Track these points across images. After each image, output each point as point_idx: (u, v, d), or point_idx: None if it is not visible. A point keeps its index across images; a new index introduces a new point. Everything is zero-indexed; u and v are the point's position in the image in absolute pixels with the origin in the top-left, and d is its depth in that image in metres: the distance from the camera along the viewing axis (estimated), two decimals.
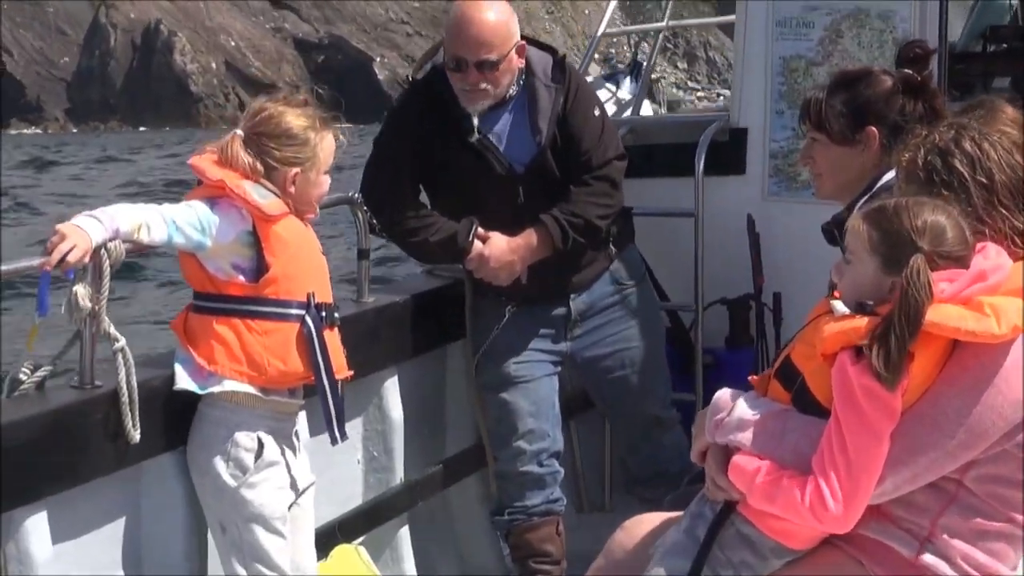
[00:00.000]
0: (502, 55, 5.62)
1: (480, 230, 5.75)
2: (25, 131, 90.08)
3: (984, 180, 3.76)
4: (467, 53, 5.60)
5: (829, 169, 4.82)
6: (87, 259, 4.40)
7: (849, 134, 4.74)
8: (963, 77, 8.11)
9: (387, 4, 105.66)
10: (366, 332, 5.67)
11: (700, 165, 6.70)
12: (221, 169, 4.77)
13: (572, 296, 5.98)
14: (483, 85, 5.64)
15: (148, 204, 4.72)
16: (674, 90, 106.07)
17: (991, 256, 3.65)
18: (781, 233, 6.66)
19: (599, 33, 7.42)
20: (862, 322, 3.57)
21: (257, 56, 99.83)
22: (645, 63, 8.12)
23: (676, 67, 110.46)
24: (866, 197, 4.59)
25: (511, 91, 5.75)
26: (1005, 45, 8.59)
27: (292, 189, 4.81)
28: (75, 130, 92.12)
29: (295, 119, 4.86)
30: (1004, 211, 3.76)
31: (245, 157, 4.78)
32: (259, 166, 4.79)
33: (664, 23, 8.16)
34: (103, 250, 4.48)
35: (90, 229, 4.43)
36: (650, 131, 7.48)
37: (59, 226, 4.39)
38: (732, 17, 7.29)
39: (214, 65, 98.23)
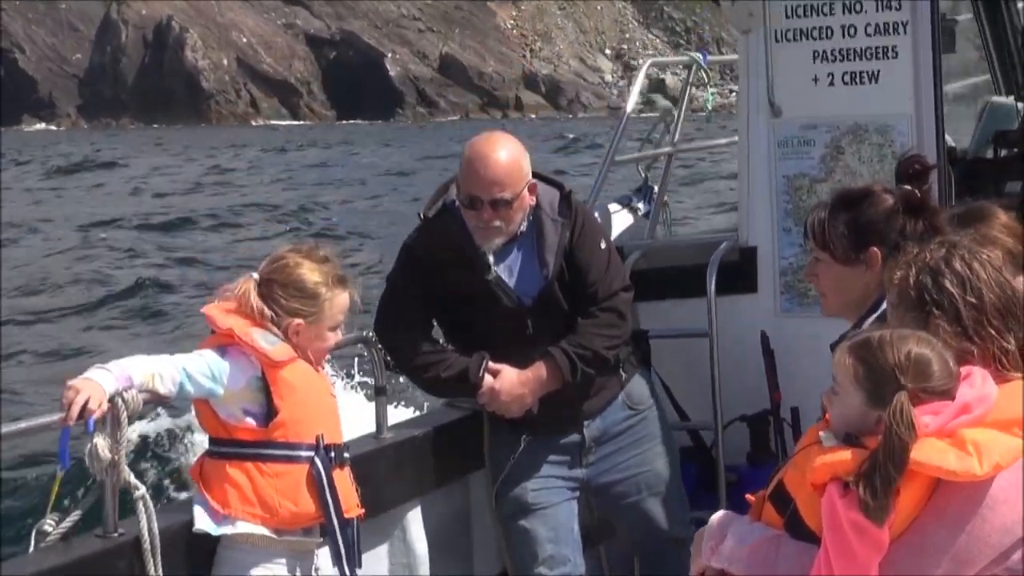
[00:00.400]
0: (515, 194, 5.77)
1: (491, 364, 5.88)
2: (37, 127, 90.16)
3: (974, 300, 3.81)
4: (482, 192, 5.75)
5: (833, 288, 4.90)
6: (103, 408, 4.57)
7: (852, 254, 4.82)
8: (975, 183, 8.20)
9: (399, 1, 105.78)
10: (387, 467, 5.79)
11: (712, 285, 6.82)
12: (230, 317, 4.95)
13: (585, 423, 6.09)
14: (496, 223, 5.79)
15: (161, 356, 4.90)
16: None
17: (976, 384, 3.68)
18: (795, 348, 6.75)
19: (608, 155, 7.57)
20: (848, 455, 3.62)
21: (269, 52, 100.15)
22: (656, 186, 8.26)
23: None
24: (874, 315, 4.65)
25: (521, 227, 5.91)
26: (1016, 149, 8.68)
27: (295, 339, 4.98)
28: (87, 126, 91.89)
29: (309, 272, 5.04)
30: (993, 331, 3.80)
31: (254, 300, 4.97)
32: (267, 311, 4.96)
33: (671, 148, 8.32)
34: (120, 401, 4.65)
35: (102, 380, 4.62)
36: (661, 254, 7.61)
37: (71, 381, 4.59)
38: (735, 138, 7.46)
39: (225, 61, 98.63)
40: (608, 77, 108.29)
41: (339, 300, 5.08)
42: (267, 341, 4.95)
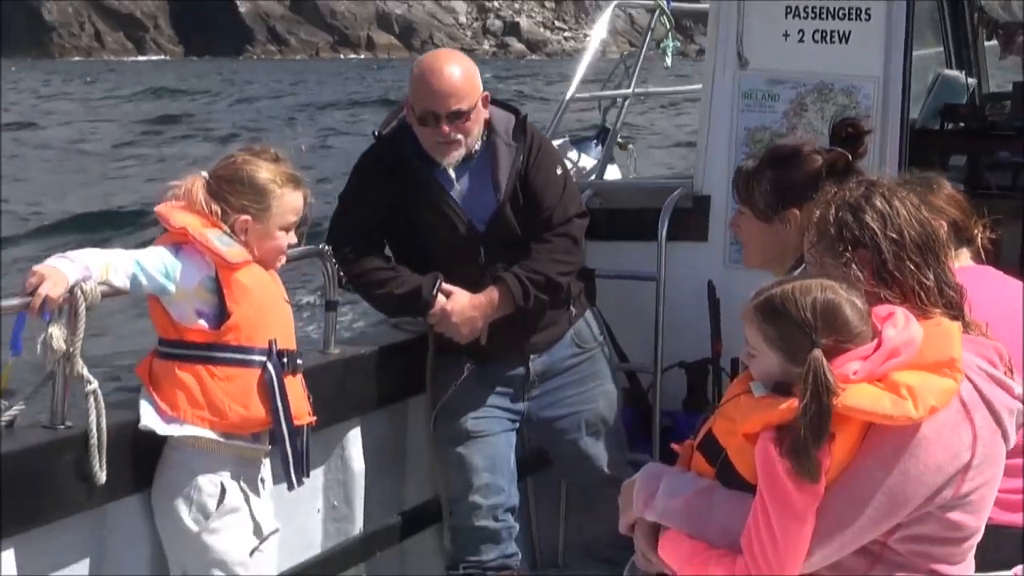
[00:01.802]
0: (471, 105, 5.76)
1: (444, 285, 5.83)
2: None
3: (895, 236, 3.83)
4: (437, 106, 5.72)
5: (752, 242, 4.96)
6: (61, 297, 4.48)
7: (771, 212, 4.85)
8: (921, 154, 8.24)
9: None
10: (331, 383, 5.74)
11: (664, 230, 6.82)
12: (185, 215, 4.87)
13: (532, 357, 6.07)
14: (455, 136, 5.76)
15: (115, 249, 4.82)
16: (540, 29, 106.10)
17: (900, 324, 3.68)
18: (741, 300, 6.74)
19: (567, 97, 7.53)
20: (781, 403, 3.61)
21: None
22: (612, 128, 8.23)
23: (543, 6, 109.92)
24: (798, 271, 4.66)
25: (475, 147, 5.85)
26: (962, 124, 8.74)
27: (243, 237, 4.91)
28: None
29: (260, 169, 4.98)
30: (912, 267, 3.82)
31: (201, 197, 4.90)
32: (216, 208, 4.89)
33: (631, 90, 8.29)
34: (79, 292, 4.56)
35: (66, 270, 4.52)
36: (614, 195, 7.60)
37: (36, 267, 4.49)
38: (698, 87, 7.43)
39: None
40: (463, 19, 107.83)
41: (290, 198, 5.02)
42: (223, 242, 4.87)
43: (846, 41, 6.76)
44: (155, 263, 4.79)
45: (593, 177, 7.98)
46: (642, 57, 8.27)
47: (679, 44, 8.07)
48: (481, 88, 5.83)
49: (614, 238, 7.04)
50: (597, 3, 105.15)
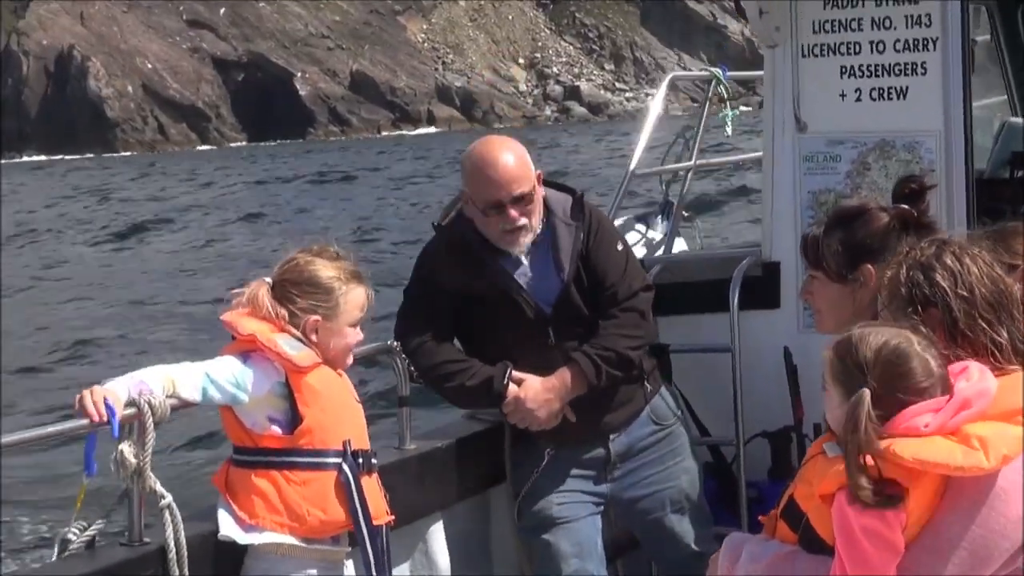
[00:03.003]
0: (531, 186, 5.77)
1: (515, 373, 5.81)
2: None
3: (965, 294, 3.82)
4: (501, 194, 5.72)
5: (828, 306, 4.89)
6: (119, 408, 4.52)
7: (846, 272, 4.81)
8: (991, 204, 8.15)
9: (306, 19, 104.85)
10: (410, 479, 5.73)
11: (735, 300, 6.77)
12: (252, 322, 4.88)
13: (611, 437, 6.02)
14: (522, 220, 5.77)
15: (182, 363, 4.84)
16: (601, 92, 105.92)
17: (974, 378, 3.66)
18: (818, 364, 6.66)
19: (629, 171, 7.53)
20: None
21: (175, 77, 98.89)
22: (676, 202, 8.21)
23: (603, 68, 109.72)
24: None
25: (539, 229, 5.86)
26: None
27: (314, 337, 4.92)
28: None
29: (322, 268, 5.01)
30: (984, 324, 3.80)
31: (268, 302, 4.92)
32: (283, 312, 4.91)
33: (692, 162, 8.27)
34: (146, 407, 4.58)
35: (115, 387, 4.61)
36: (683, 268, 7.56)
37: (84, 391, 4.52)
38: (759, 153, 7.40)
39: (130, 88, 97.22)
40: (522, 87, 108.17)
41: (355, 294, 5.04)
42: (291, 346, 4.89)
43: (904, 97, 6.71)
44: (225, 374, 4.81)
45: (661, 252, 7.94)
46: (701, 128, 8.25)
47: (738, 112, 8.03)
48: (533, 167, 5.84)
49: (686, 311, 6.99)
50: (656, 62, 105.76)
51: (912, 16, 6.67)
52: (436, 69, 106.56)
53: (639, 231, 8.00)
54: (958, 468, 3.52)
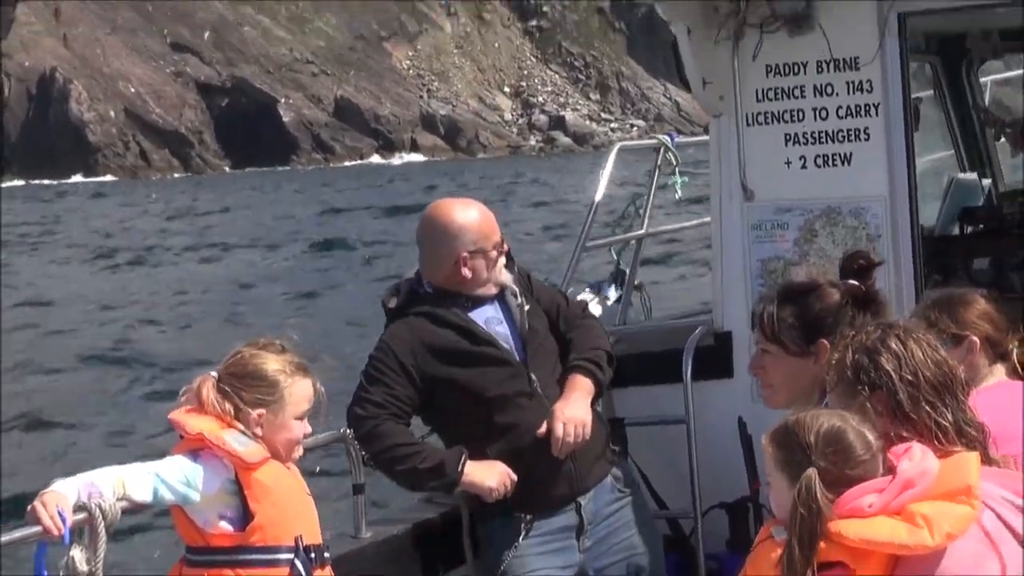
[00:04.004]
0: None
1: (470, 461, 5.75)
2: None
3: (910, 377, 3.86)
4: (485, 241, 5.88)
5: (782, 380, 4.92)
6: (69, 514, 4.45)
7: (803, 346, 4.84)
8: (943, 261, 8.20)
9: (291, 44, 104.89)
10: (367, 568, 5.69)
11: (688, 371, 6.77)
12: (199, 419, 4.85)
13: (581, 502, 5.96)
14: (503, 260, 5.95)
15: (131, 464, 4.80)
16: (586, 122, 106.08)
17: (916, 458, 3.69)
18: None
19: (579, 244, 7.52)
20: None
21: (158, 102, 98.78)
22: (627, 271, 8.21)
23: (588, 98, 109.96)
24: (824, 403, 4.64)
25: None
26: (982, 226, 8.68)
27: (259, 431, 4.89)
28: None
29: (266, 362, 4.98)
30: (929, 408, 3.84)
31: (213, 398, 4.89)
32: (229, 407, 4.88)
33: (643, 231, 8.28)
34: (96, 510, 4.52)
35: (64, 490, 4.54)
36: (636, 339, 7.55)
37: (37, 502, 4.46)
38: (707, 219, 7.41)
39: (112, 113, 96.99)
40: (508, 115, 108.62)
41: (300, 387, 5.01)
42: (239, 443, 4.85)
43: (848, 163, 6.75)
44: (175, 474, 4.77)
45: (617, 321, 7.94)
46: (652, 196, 8.27)
47: (687, 179, 8.05)
48: None
49: (640, 383, 6.99)
50: (642, 92, 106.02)
51: (853, 82, 6.72)
52: (421, 96, 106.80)
53: (591, 300, 7.99)
54: (903, 546, 3.55)
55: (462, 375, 5.85)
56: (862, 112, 6.72)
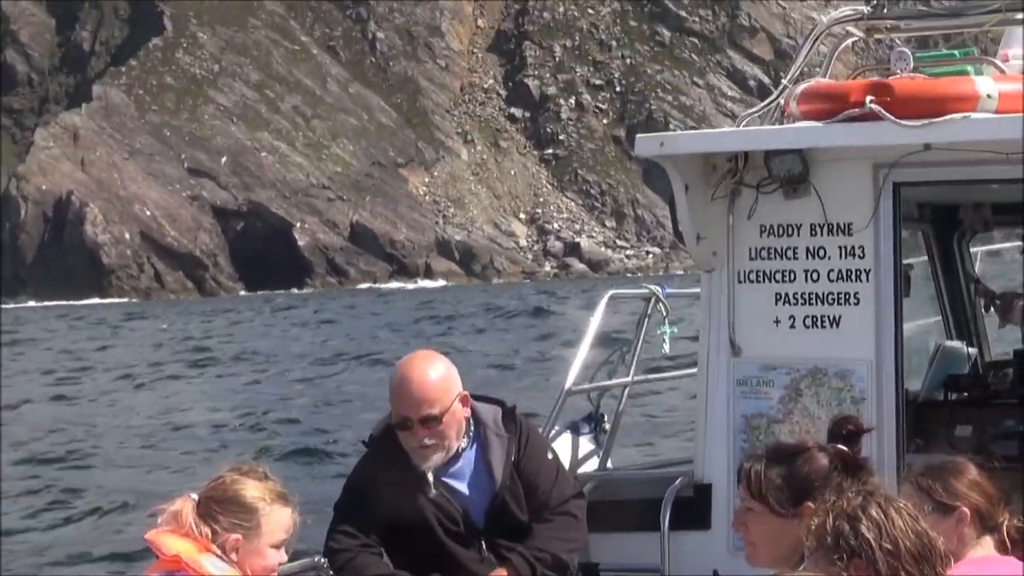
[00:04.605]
0: (444, 408, 5.85)
1: None
2: None
3: (889, 547, 3.87)
4: (410, 412, 5.84)
5: (765, 539, 4.91)
6: None
7: (789, 508, 4.84)
8: (926, 426, 8.24)
9: (308, 169, 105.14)
10: None
11: (666, 521, 6.79)
12: (177, 541, 4.88)
13: None
14: (429, 441, 5.85)
15: None
16: (602, 249, 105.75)
17: None
18: None
19: (565, 388, 7.57)
20: None
21: (173, 225, 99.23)
22: (612, 418, 8.22)
23: (604, 225, 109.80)
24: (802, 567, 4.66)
25: (462, 443, 5.93)
26: (966, 394, 8.73)
27: (234, 556, 4.91)
28: None
29: (246, 488, 5.02)
30: None
31: (191, 520, 4.92)
32: (207, 530, 4.90)
33: (629, 378, 8.33)
34: None
35: None
36: (615, 486, 7.58)
37: None
38: (694, 370, 7.47)
39: (127, 235, 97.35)
40: (523, 242, 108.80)
41: (279, 515, 5.04)
42: (216, 567, 4.88)
43: (837, 325, 6.83)
44: None
45: (595, 467, 7.95)
46: (640, 344, 8.31)
47: (675, 330, 8.12)
48: (457, 389, 5.93)
49: (616, 530, 7.00)
50: (658, 220, 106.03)
51: (846, 247, 6.81)
52: (436, 222, 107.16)
53: (567, 440, 8.00)
54: None
55: (418, 527, 5.90)
56: (853, 277, 6.81)
